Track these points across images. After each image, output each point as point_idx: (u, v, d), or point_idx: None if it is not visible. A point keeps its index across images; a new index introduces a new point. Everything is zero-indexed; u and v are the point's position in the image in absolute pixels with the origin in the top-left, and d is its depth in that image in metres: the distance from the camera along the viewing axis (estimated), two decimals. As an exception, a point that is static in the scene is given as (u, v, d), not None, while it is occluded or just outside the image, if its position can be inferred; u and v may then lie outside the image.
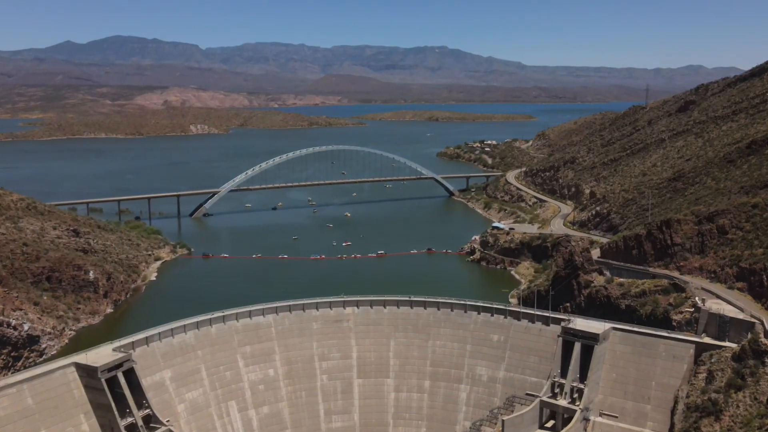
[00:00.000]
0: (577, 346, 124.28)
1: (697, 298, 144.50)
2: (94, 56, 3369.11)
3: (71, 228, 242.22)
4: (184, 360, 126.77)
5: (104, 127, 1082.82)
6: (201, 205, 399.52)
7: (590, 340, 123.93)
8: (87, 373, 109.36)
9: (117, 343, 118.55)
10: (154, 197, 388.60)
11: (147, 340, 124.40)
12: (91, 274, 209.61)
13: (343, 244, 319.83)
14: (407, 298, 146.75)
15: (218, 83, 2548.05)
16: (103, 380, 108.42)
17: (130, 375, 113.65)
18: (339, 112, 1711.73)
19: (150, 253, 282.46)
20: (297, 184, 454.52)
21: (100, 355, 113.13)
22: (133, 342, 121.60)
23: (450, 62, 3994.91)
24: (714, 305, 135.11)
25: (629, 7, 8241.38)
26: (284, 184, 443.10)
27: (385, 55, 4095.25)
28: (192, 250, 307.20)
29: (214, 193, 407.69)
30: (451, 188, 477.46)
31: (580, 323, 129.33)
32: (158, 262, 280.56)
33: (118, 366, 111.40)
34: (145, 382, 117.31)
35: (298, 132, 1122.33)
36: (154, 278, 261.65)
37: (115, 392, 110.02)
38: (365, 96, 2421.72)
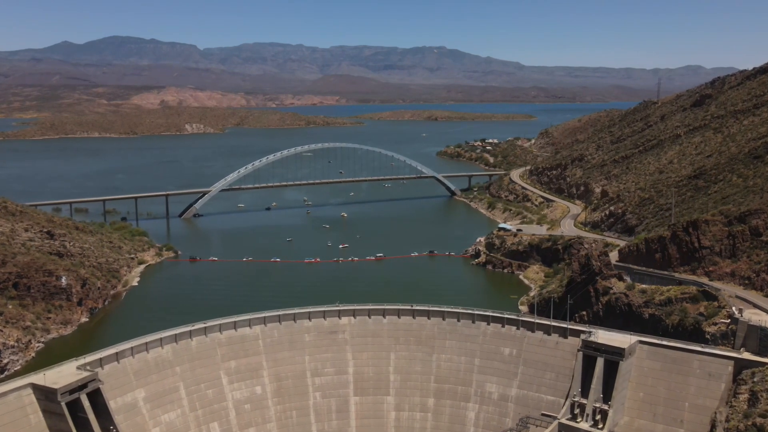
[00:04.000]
0: (600, 362, 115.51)
1: (733, 308, 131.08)
2: (92, 56, 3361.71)
3: (45, 229, 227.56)
4: (160, 377, 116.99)
5: (98, 127, 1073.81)
6: (191, 206, 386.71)
7: (615, 355, 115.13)
8: (45, 395, 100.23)
9: (82, 360, 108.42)
10: (141, 197, 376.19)
11: (117, 356, 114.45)
12: (64, 280, 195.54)
13: (340, 246, 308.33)
14: (409, 307, 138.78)
15: (216, 83, 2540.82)
16: (63, 404, 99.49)
17: (96, 397, 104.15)
18: (337, 111, 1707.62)
19: (133, 256, 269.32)
20: (292, 183, 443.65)
21: (62, 375, 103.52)
22: (101, 358, 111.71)
23: (448, 62, 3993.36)
24: (753, 316, 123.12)
25: (627, 8, 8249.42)
26: (279, 184, 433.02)
27: (383, 55, 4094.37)
28: (179, 253, 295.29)
29: (205, 193, 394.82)
30: (452, 188, 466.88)
31: (603, 336, 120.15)
32: (142, 266, 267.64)
33: (82, 387, 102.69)
34: (114, 404, 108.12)
35: (295, 131, 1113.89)
36: (136, 284, 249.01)
37: (77, 417, 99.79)
38: (364, 96, 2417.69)
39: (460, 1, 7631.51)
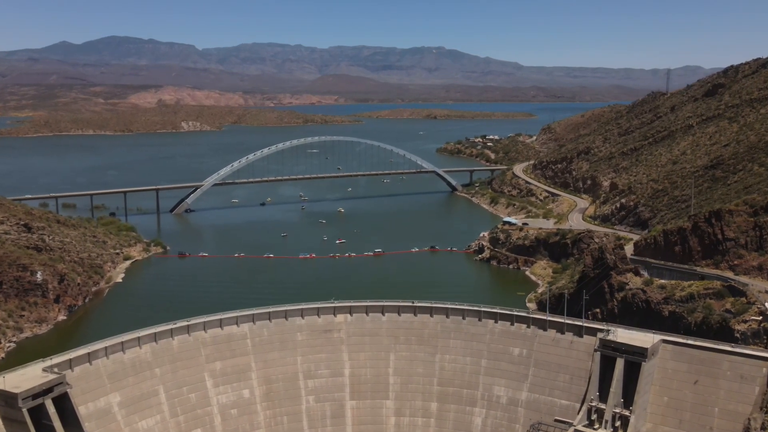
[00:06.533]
0: (620, 363, 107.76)
1: (766, 304, 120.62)
2: (90, 56, 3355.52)
3: (22, 222, 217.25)
4: (137, 380, 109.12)
5: (93, 124, 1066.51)
6: (182, 200, 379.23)
7: (636, 356, 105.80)
8: (5, 400, 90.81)
9: (49, 362, 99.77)
10: (130, 191, 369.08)
11: (89, 357, 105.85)
12: (39, 275, 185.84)
13: (337, 241, 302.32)
14: (410, 304, 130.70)
15: (214, 83, 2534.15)
16: (24, 410, 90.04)
17: (63, 402, 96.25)
18: (336, 111, 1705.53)
19: (118, 251, 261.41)
20: (287, 177, 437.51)
21: (25, 378, 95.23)
22: (70, 360, 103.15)
23: (447, 63, 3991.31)
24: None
25: (627, 8, 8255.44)
26: (274, 178, 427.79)
27: (382, 55, 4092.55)
28: (168, 248, 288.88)
29: (197, 187, 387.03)
30: (453, 183, 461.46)
31: (622, 334, 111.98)
32: (128, 262, 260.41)
33: (47, 391, 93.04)
34: (84, 409, 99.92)
35: (293, 129, 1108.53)
36: (121, 280, 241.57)
37: (40, 425, 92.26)
38: (362, 96, 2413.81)
39: (458, 2, 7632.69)
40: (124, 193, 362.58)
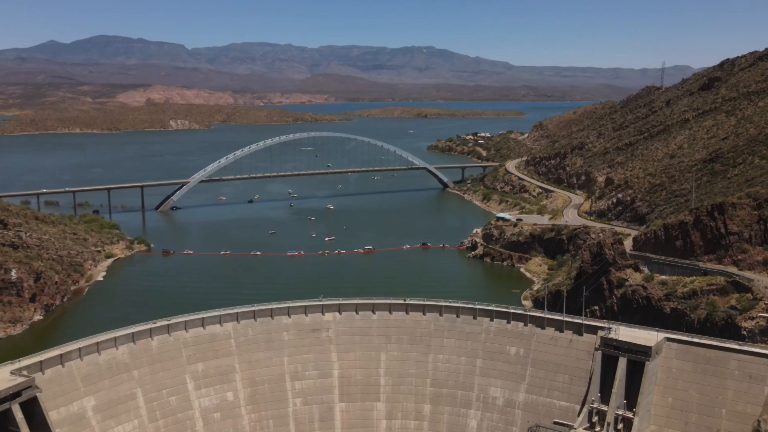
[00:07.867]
0: (622, 362, 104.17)
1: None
2: (78, 56, 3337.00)
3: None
4: (113, 383, 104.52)
5: (80, 123, 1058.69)
6: (168, 198, 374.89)
7: (640, 355, 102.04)
8: None
9: (18, 364, 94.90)
10: (114, 188, 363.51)
11: (62, 359, 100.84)
12: (13, 274, 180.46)
13: (326, 238, 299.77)
14: (401, 301, 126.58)
15: (204, 83, 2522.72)
16: None
17: (32, 407, 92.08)
18: (326, 110, 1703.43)
19: (100, 249, 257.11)
20: (276, 174, 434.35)
21: None
22: (41, 362, 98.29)
23: (437, 62, 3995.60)
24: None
25: (616, 8, 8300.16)
26: (262, 175, 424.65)
27: (372, 55, 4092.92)
28: (152, 246, 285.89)
29: (183, 184, 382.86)
30: (445, 180, 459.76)
31: (625, 332, 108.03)
32: (110, 260, 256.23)
33: (14, 395, 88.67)
34: (56, 414, 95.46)
35: (282, 128, 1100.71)
36: (102, 278, 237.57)
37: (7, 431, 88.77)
38: (353, 95, 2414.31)
39: (449, 1, 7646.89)
40: (108, 190, 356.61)
